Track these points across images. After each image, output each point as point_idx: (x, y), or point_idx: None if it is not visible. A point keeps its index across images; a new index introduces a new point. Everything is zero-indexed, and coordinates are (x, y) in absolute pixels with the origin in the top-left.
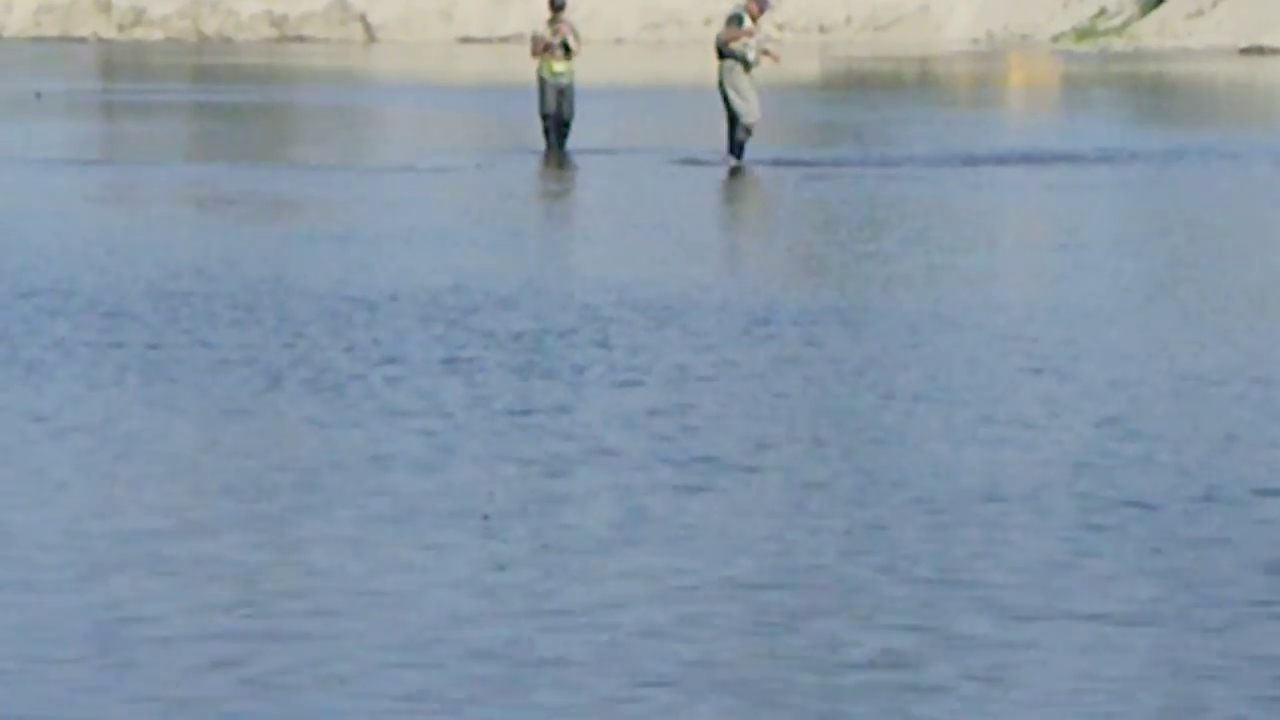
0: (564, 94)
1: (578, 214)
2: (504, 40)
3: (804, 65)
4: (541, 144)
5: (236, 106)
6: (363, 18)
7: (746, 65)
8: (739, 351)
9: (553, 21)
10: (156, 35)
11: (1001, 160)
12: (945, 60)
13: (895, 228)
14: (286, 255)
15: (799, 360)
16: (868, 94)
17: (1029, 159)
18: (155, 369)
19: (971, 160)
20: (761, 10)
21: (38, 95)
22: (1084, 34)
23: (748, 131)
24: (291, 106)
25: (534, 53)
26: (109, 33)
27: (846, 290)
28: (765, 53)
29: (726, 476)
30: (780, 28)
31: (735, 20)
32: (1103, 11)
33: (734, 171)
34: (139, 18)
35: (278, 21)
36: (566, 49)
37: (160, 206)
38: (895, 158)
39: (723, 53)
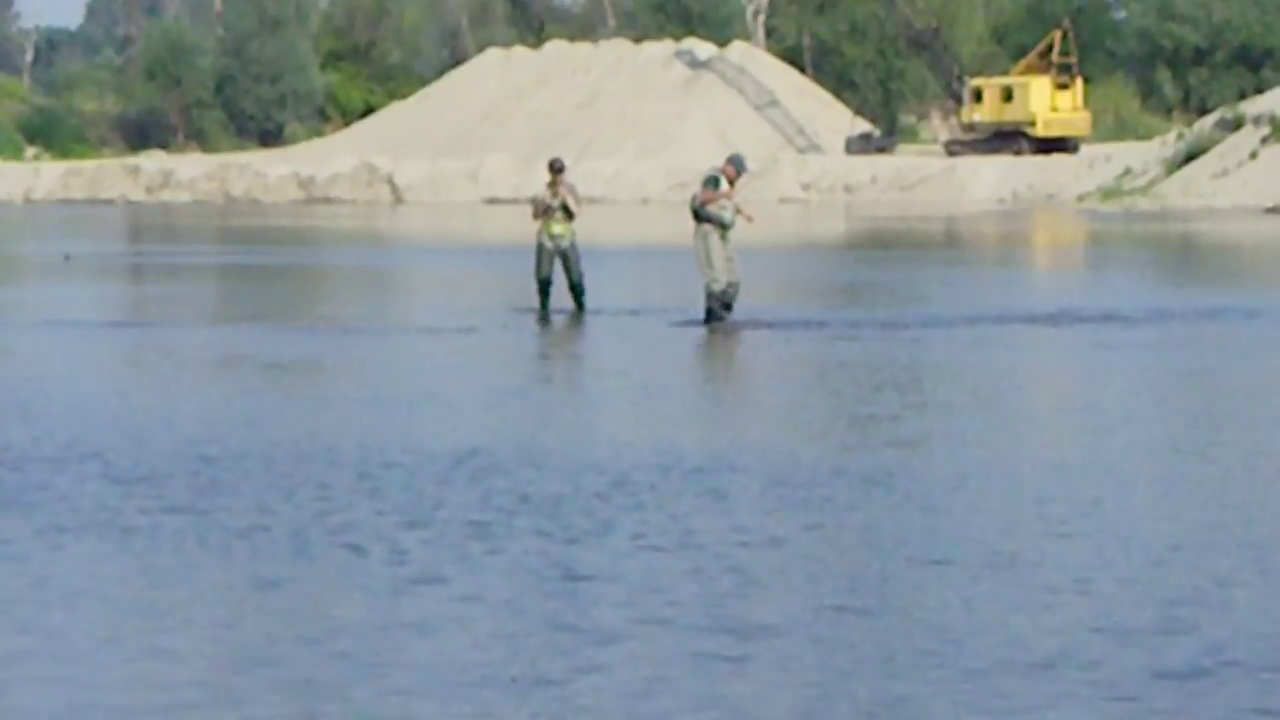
0: (566, 256)
1: (601, 375)
2: (530, 201)
3: (829, 225)
4: (535, 305)
5: (264, 268)
6: (390, 179)
7: (724, 229)
8: (765, 515)
9: (552, 184)
10: (184, 197)
11: (1028, 320)
12: (971, 220)
13: (920, 388)
14: (313, 417)
15: (827, 525)
16: (893, 253)
17: (1054, 319)
18: (179, 534)
19: (997, 319)
20: (738, 173)
21: (66, 258)
22: (1109, 194)
23: (713, 298)
24: (318, 268)
25: (535, 215)
26: (137, 195)
27: (874, 452)
28: (739, 212)
29: (755, 644)
30: (806, 187)
31: (711, 183)
32: (1128, 171)
33: (722, 332)
34: (167, 180)
35: (305, 183)
36: (567, 211)
37: (187, 369)
38: (920, 318)
39: (699, 215)
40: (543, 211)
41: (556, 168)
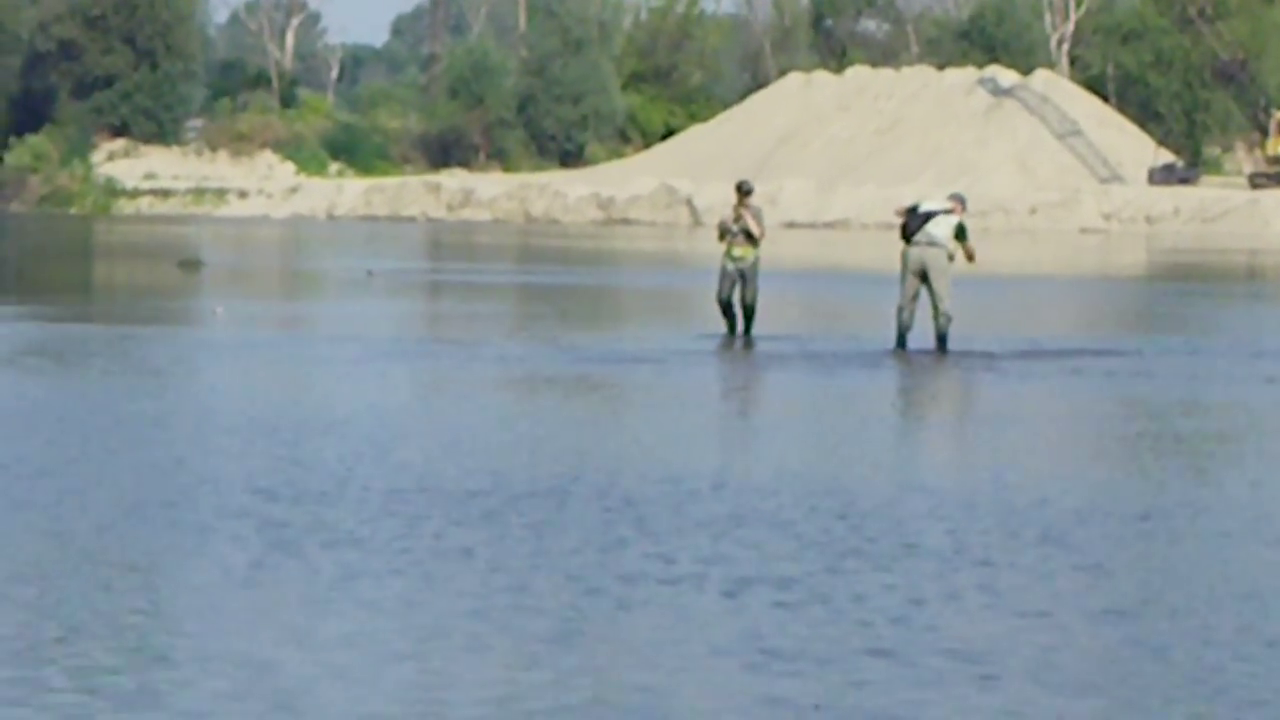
0: (744, 277)
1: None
2: (829, 226)
3: (1130, 256)
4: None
5: (559, 288)
6: (689, 201)
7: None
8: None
9: (738, 206)
10: (484, 216)
11: None
12: (1274, 253)
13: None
14: (580, 444)
15: (1120, 577)
16: (1195, 285)
17: None
18: (445, 573)
19: None
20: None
21: (369, 274)
22: None
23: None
24: (612, 289)
25: (719, 238)
26: (438, 212)
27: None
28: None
29: None
30: (1107, 218)
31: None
32: None
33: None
34: (467, 199)
35: (604, 204)
36: (749, 234)
37: (478, 390)
38: (1219, 349)
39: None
40: (725, 234)
41: (744, 190)
